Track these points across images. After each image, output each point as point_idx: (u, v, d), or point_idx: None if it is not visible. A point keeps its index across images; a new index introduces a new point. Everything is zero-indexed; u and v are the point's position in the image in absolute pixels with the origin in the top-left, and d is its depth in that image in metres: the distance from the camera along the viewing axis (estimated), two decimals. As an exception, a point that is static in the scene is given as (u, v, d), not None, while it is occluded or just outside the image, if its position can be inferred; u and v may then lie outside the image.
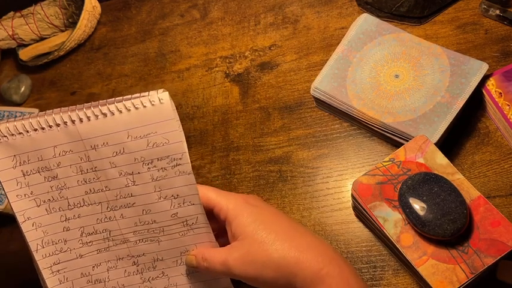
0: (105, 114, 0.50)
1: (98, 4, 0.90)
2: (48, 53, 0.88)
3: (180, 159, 0.51)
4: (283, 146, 0.69)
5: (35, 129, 0.51)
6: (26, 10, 0.89)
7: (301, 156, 0.67)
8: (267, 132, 0.71)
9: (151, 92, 0.49)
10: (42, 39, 0.91)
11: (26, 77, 0.88)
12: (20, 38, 0.89)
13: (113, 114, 0.50)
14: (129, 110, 0.50)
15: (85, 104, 0.50)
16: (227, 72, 0.78)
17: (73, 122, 0.50)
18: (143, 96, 0.49)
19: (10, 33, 0.88)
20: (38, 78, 0.89)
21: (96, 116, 0.50)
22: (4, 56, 0.93)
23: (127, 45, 0.87)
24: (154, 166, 0.51)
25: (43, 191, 0.53)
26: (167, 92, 0.48)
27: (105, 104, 0.50)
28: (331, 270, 0.46)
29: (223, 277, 0.53)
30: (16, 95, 0.86)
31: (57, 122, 0.51)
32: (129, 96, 0.49)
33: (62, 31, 0.91)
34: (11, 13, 0.90)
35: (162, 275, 0.55)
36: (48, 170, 0.52)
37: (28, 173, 0.52)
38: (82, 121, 0.50)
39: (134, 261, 0.55)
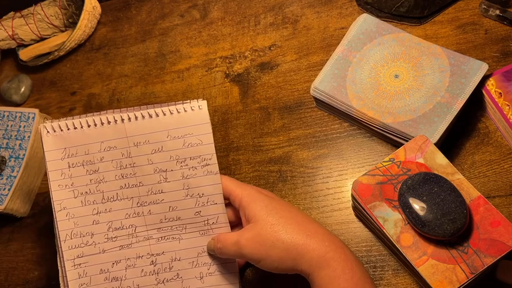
0: (151, 116, 0.56)
1: (98, 4, 0.90)
2: (48, 53, 0.89)
3: (210, 159, 0.56)
4: (283, 146, 0.69)
5: (89, 126, 0.56)
6: (26, 10, 0.89)
7: (301, 156, 0.67)
8: (267, 132, 0.71)
9: (192, 100, 0.57)
10: (42, 39, 0.91)
11: (26, 77, 0.88)
12: (20, 38, 0.89)
13: (157, 116, 0.56)
14: (172, 113, 0.56)
15: (135, 107, 0.57)
16: (227, 72, 0.78)
17: (122, 120, 0.56)
18: (185, 103, 0.56)
19: (10, 33, 0.88)
20: (38, 78, 0.89)
21: (143, 116, 0.56)
22: (4, 56, 0.93)
23: (127, 45, 0.87)
24: (186, 165, 0.56)
25: (83, 183, 0.57)
26: (206, 101, 0.56)
27: (153, 107, 0.56)
28: (337, 255, 0.48)
29: (235, 258, 0.56)
30: (16, 95, 0.86)
31: (109, 120, 0.56)
32: (173, 102, 0.57)
33: (62, 31, 0.91)
34: (11, 13, 0.90)
35: (176, 276, 0.57)
36: (91, 163, 0.57)
37: (73, 165, 0.57)
38: (130, 120, 0.56)
39: (152, 261, 0.57)
